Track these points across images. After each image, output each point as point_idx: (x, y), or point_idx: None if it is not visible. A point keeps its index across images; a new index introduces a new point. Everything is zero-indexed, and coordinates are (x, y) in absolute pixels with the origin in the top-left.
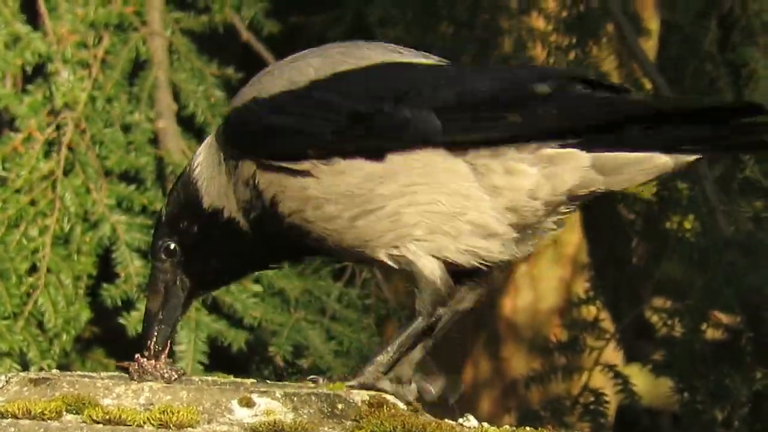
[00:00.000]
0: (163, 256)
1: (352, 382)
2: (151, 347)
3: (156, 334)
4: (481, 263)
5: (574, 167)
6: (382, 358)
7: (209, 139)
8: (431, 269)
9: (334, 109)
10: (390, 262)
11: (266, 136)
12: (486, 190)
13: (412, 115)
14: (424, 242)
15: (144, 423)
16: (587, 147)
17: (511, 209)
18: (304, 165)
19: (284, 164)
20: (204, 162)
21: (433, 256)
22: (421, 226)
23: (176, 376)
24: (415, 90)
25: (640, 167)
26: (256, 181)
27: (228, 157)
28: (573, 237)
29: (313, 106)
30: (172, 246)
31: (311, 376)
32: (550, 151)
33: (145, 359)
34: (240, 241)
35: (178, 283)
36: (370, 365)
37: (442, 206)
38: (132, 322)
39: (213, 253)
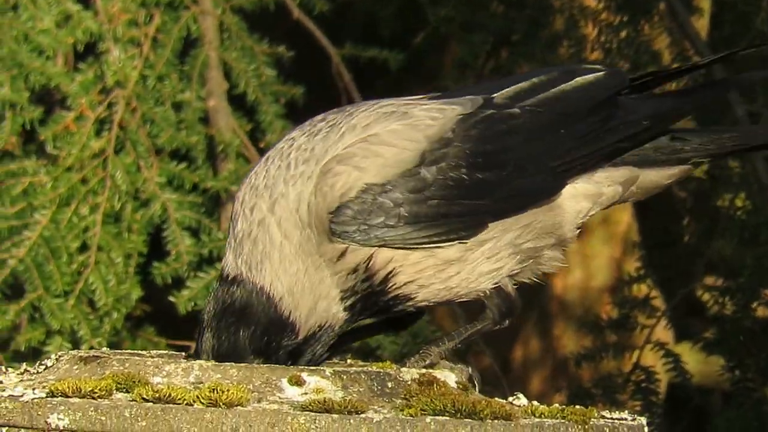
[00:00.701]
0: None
1: (422, 364)
2: None
3: None
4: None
5: (626, 182)
6: (448, 345)
7: (276, 256)
8: (505, 282)
9: (488, 190)
10: (478, 298)
11: (412, 223)
12: (573, 212)
13: (553, 184)
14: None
15: (194, 401)
16: (639, 164)
17: (577, 225)
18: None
19: (426, 246)
20: (283, 282)
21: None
22: (517, 262)
23: None
24: (557, 153)
25: (673, 177)
26: (370, 264)
27: (320, 256)
28: (624, 216)
29: (454, 188)
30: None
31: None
32: (613, 170)
33: None
34: (334, 332)
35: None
36: (437, 348)
37: (537, 240)
38: (182, 300)
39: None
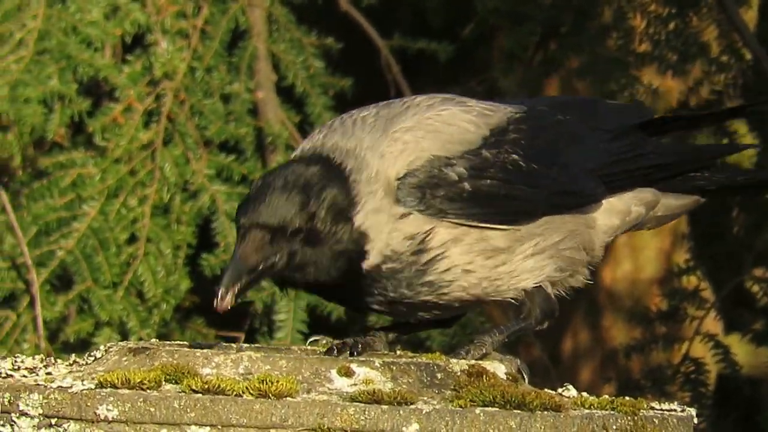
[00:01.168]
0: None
1: (477, 354)
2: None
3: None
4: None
5: (648, 205)
6: (499, 338)
7: (379, 191)
8: (546, 284)
9: (541, 182)
10: (513, 298)
11: (473, 199)
12: (605, 228)
13: (597, 189)
14: (553, 277)
15: (243, 392)
16: (662, 189)
17: (606, 243)
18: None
19: (483, 225)
20: (371, 217)
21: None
22: (556, 269)
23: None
24: (598, 163)
25: (686, 207)
26: (428, 238)
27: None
28: None
29: (517, 173)
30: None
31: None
32: (640, 191)
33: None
34: (358, 279)
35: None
36: (490, 339)
37: (575, 251)
38: None
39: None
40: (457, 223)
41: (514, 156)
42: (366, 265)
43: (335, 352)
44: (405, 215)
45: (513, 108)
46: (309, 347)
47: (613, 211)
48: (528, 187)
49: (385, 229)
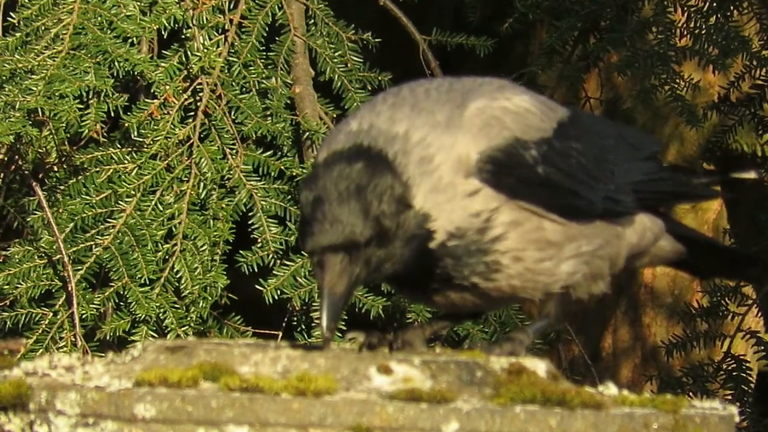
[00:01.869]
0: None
1: (521, 351)
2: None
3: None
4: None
5: (657, 235)
6: (531, 336)
7: (442, 167)
8: (573, 290)
9: (597, 184)
10: (539, 298)
11: (542, 185)
12: (628, 244)
13: (633, 203)
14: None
15: (281, 391)
16: (666, 226)
17: (626, 259)
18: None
19: (547, 214)
20: (431, 197)
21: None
22: (586, 277)
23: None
24: (634, 178)
25: (673, 254)
26: (492, 216)
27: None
28: (713, 203)
29: (579, 169)
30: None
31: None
32: (654, 217)
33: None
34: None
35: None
36: (525, 336)
37: (605, 261)
38: (269, 288)
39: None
40: (522, 207)
41: (577, 155)
42: (432, 244)
43: (373, 346)
44: (474, 192)
45: (563, 107)
46: (348, 345)
47: (636, 229)
48: (587, 186)
49: (448, 207)
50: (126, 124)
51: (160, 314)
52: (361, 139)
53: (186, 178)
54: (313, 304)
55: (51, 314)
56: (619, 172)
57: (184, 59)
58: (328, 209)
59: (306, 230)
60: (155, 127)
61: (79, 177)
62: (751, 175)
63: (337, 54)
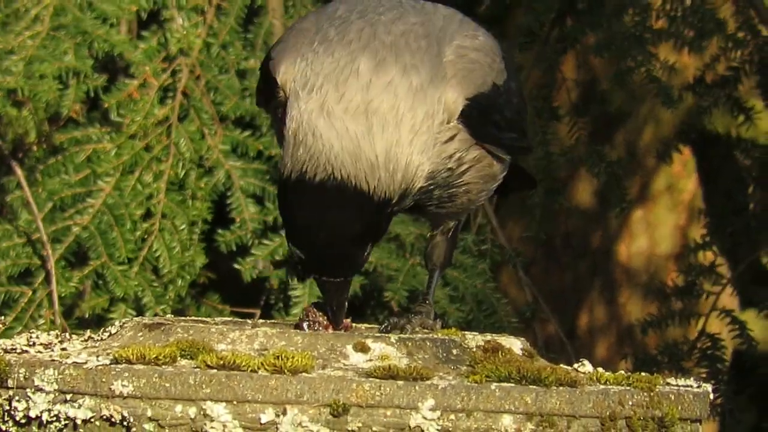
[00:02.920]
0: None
1: (415, 326)
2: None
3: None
4: None
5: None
6: (429, 307)
7: (426, 122)
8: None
9: (523, 114)
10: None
11: (505, 129)
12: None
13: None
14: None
15: (258, 368)
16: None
17: None
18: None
19: (502, 155)
20: (417, 157)
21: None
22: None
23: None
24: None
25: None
26: (464, 154)
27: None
28: (689, 184)
29: (520, 107)
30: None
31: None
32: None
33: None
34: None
35: None
36: (425, 308)
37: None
38: (247, 267)
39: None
40: (483, 147)
41: (517, 88)
42: (412, 191)
43: (387, 329)
44: (452, 137)
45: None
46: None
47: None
48: (524, 122)
49: (430, 158)
50: (105, 105)
51: (139, 293)
52: (326, 110)
53: (165, 158)
54: (290, 284)
55: (30, 293)
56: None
57: (163, 40)
58: (328, 248)
59: (305, 263)
60: (134, 108)
61: (59, 157)
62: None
63: None
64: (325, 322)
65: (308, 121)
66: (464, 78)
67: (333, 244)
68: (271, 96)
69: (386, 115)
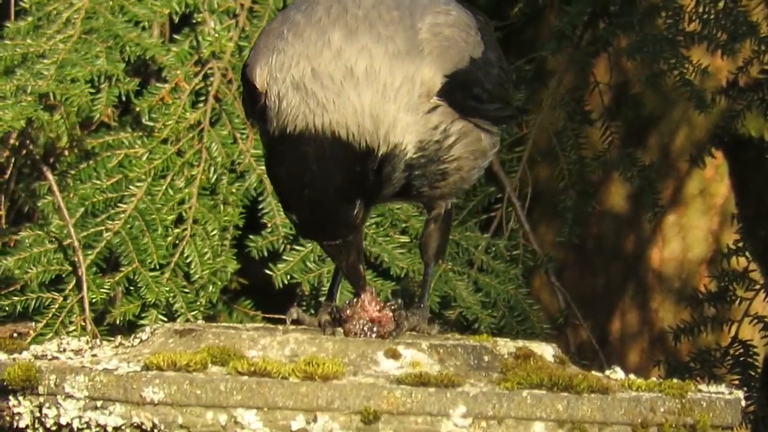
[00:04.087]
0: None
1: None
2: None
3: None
4: None
5: None
6: (424, 310)
7: (405, 98)
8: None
9: (506, 84)
10: (444, 208)
11: (487, 102)
12: None
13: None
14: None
15: (289, 375)
16: None
17: None
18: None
19: (487, 126)
20: (400, 134)
21: None
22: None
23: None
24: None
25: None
26: (448, 126)
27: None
28: (721, 188)
29: (501, 77)
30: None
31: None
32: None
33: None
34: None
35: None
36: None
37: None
38: (278, 273)
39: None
40: (469, 120)
41: (498, 61)
42: (404, 162)
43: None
44: (433, 109)
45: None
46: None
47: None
48: (507, 92)
49: (414, 128)
50: (137, 109)
51: (170, 299)
52: (324, 96)
53: (196, 163)
54: (322, 289)
55: (61, 299)
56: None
57: (195, 44)
58: (315, 205)
59: (300, 227)
60: (166, 112)
61: (90, 162)
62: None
63: None
64: (345, 312)
65: (288, 88)
66: (440, 56)
67: (320, 201)
68: (254, 102)
69: (365, 75)
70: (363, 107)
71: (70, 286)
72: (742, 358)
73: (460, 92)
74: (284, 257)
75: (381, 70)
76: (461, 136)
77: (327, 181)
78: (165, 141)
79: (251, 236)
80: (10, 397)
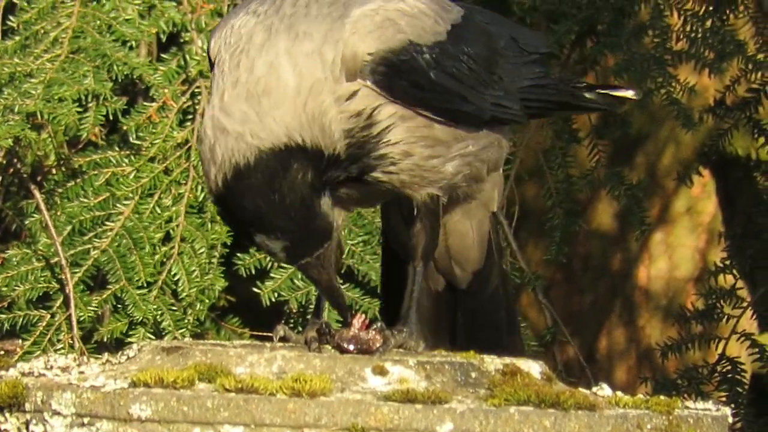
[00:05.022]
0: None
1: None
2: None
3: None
4: None
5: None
6: (411, 325)
7: (325, 87)
8: (443, 199)
9: (487, 90)
10: (423, 201)
11: (432, 91)
12: (503, 153)
13: (521, 110)
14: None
15: (276, 391)
16: None
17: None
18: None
19: (430, 114)
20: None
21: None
22: (466, 176)
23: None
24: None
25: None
26: (375, 112)
27: (331, 94)
28: (708, 206)
29: (470, 74)
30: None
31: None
32: None
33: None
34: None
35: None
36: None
37: (485, 164)
38: (266, 291)
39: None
40: (408, 108)
41: (468, 58)
42: (337, 153)
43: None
44: (354, 93)
45: (457, 6)
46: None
47: (507, 136)
48: (476, 92)
49: (338, 117)
50: (124, 128)
51: (158, 316)
52: (248, 124)
53: (184, 181)
54: (310, 306)
55: (48, 316)
56: (508, 78)
57: (182, 63)
58: (268, 229)
59: (285, 251)
60: (153, 131)
61: (78, 180)
62: (629, 94)
63: None
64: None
65: (207, 125)
66: (368, 35)
67: (294, 215)
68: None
69: (274, 92)
70: (283, 119)
71: (58, 304)
72: (729, 375)
73: (390, 75)
74: (272, 275)
75: (292, 83)
76: (397, 121)
77: (291, 197)
78: (152, 159)
79: (239, 254)
80: None
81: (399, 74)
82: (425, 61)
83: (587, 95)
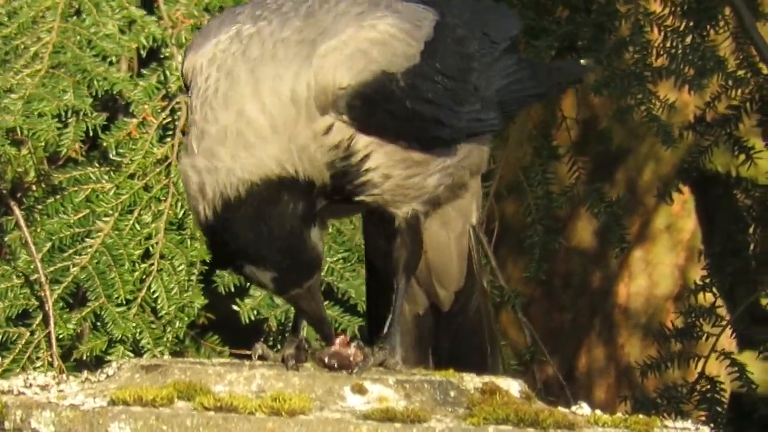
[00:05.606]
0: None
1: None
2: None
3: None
4: None
5: None
6: (392, 343)
7: (299, 123)
8: (424, 213)
9: (463, 107)
10: (404, 216)
11: (405, 119)
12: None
13: (497, 118)
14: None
15: (255, 410)
16: None
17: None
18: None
19: (404, 144)
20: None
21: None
22: (449, 185)
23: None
24: (497, 86)
25: None
26: (352, 143)
27: (307, 129)
28: (688, 223)
29: (445, 93)
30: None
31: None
32: None
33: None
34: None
35: None
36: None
37: (467, 168)
38: (245, 308)
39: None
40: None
41: (442, 76)
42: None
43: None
44: (329, 128)
45: (428, 12)
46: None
47: (487, 140)
48: (453, 111)
49: (315, 157)
50: (104, 144)
51: (137, 334)
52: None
53: (164, 198)
54: (289, 324)
55: (28, 334)
56: (484, 84)
57: (162, 78)
58: (257, 260)
59: (274, 281)
60: (133, 147)
61: (57, 196)
62: (582, 62)
63: None
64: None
65: (187, 169)
66: (337, 68)
67: (284, 247)
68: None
69: (249, 137)
70: (273, 151)
71: (37, 321)
72: (708, 394)
73: (364, 106)
74: (251, 293)
75: (265, 129)
76: (375, 147)
77: (281, 228)
78: (132, 176)
79: (218, 271)
80: None
81: (373, 106)
82: (399, 89)
83: (558, 67)
